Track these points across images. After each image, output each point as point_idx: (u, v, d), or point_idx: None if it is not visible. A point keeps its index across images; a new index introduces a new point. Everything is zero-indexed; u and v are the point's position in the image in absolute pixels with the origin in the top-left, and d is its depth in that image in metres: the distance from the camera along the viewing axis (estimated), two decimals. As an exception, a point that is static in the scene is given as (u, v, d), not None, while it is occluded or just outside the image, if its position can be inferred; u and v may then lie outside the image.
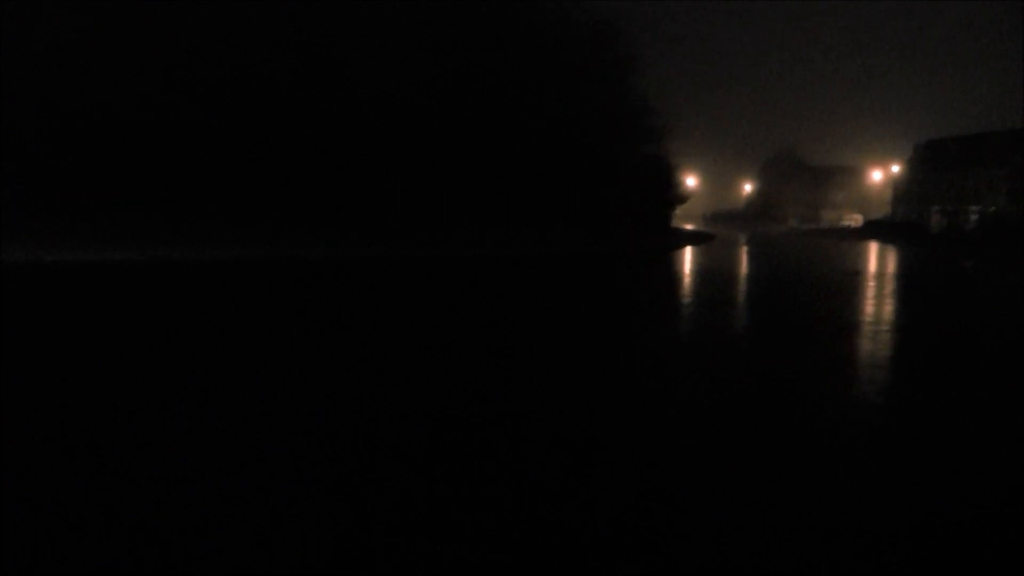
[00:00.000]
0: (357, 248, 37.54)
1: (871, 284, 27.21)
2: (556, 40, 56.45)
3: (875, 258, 44.61)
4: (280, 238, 36.21)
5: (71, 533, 5.19)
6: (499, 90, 50.57)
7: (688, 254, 46.53)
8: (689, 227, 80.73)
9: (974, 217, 72.08)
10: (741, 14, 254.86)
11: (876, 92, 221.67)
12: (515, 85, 51.64)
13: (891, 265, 38.84)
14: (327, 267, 27.39)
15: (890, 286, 27.04)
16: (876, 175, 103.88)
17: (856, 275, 31.07)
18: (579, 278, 29.77)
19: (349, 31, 43.81)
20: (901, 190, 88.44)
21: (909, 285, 28.44)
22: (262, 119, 40.66)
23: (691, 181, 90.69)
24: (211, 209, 38.34)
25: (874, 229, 79.07)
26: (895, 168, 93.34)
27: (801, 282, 28.74)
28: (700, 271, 34.03)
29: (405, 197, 45.91)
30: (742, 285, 28.06)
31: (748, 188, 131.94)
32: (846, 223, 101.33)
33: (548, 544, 5.19)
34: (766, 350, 13.98)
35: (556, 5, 57.55)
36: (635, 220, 60.68)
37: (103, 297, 18.14)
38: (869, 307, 20.85)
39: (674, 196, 73.11)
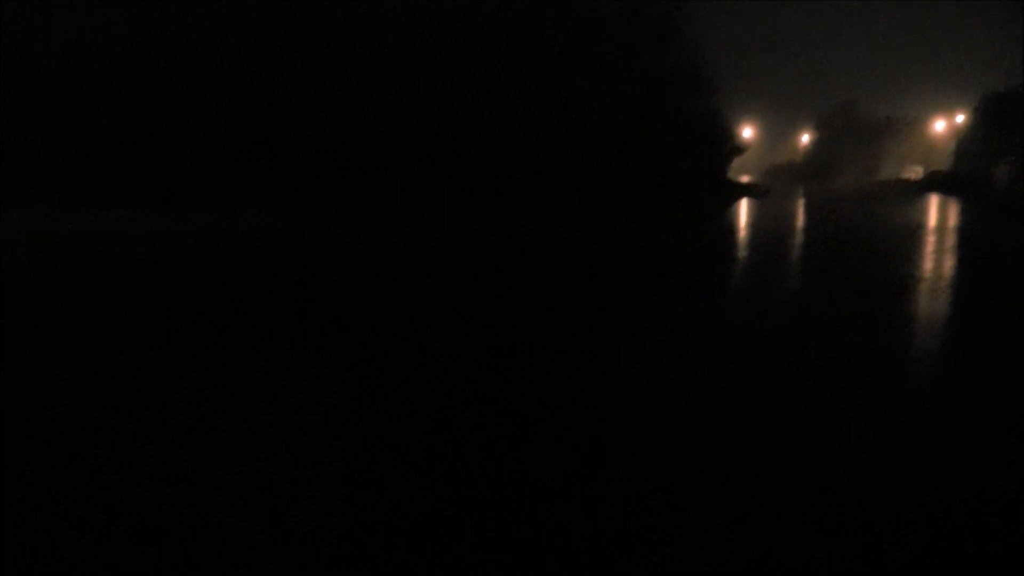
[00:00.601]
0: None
1: (931, 239, 26.72)
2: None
3: (936, 212, 43.63)
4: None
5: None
6: (550, 46, 50.01)
7: (743, 208, 45.99)
8: (745, 179, 79.47)
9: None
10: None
11: (941, 38, 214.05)
12: (567, 42, 51.03)
13: (952, 220, 37.99)
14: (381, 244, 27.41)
15: (950, 241, 26.51)
16: (939, 126, 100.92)
17: (917, 229, 30.53)
18: (633, 235, 29.67)
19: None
20: (965, 143, 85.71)
21: (970, 242, 27.84)
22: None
23: (747, 132, 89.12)
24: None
25: (936, 183, 76.95)
26: (960, 118, 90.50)
27: (858, 237, 28.32)
28: (755, 226, 33.67)
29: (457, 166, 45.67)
30: (798, 240, 27.76)
31: (805, 139, 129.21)
32: (906, 176, 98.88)
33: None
34: (822, 305, 13.90)
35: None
36: (689, 172, 59.94)
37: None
38: (928, 263, 20.52)
39: (730, 149, 71.91)
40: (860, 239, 27.57)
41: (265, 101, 40.72)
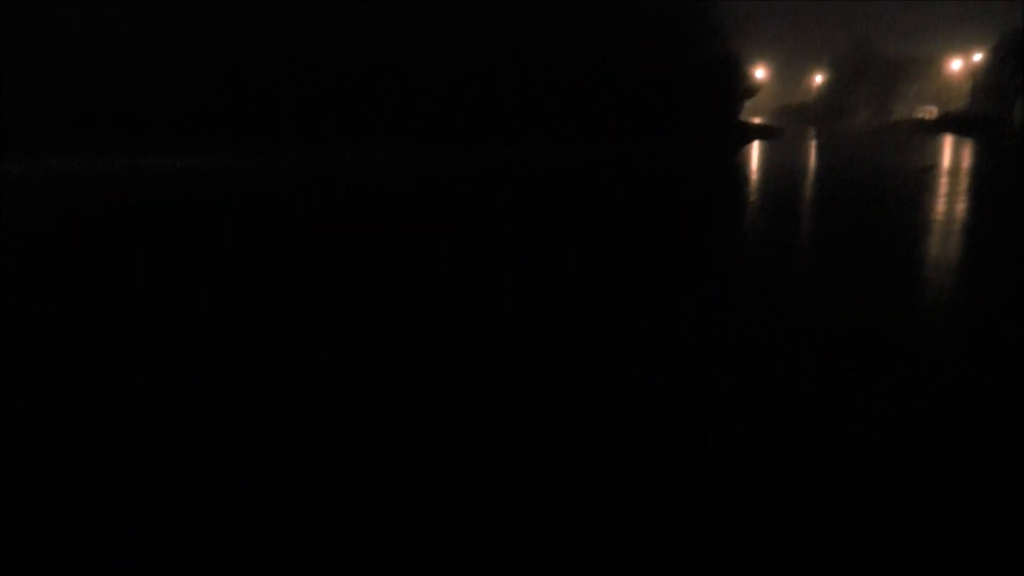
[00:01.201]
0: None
1: (943, 180, 26.42)
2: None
3: (950, 153, 43.13)
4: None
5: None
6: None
7: (755, 150, 45.58)
8: (757, 121, 78.73)
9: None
10: None
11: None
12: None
13: (966, 160, 37.55)
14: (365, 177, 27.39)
15: (964, 183, 26.20)
16: (955, 65, 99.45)
17: (930, 169, 30.20)
18: (645, 176, 29.49)
19: None
20: (982, 82, 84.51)
21: (983, 183, 27.52)
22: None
23: (760, 73, 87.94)
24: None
25: (950, 123, 76.07)
26: (976, 57, 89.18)
27: (870, 179, 28.03)
28: (767, 167, 33.38)
29: (466, 105, 45.91)
30: (807, 182, 27.50)
31: (819, 80, 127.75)
32: (920, 116, 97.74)
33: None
34: (831, 251, 13.78)
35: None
36: (702, 115, 59.50)
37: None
38: (940, 205, 20.28)
39: (743, 90, 71.21)
40: (873, 181, 27.29)
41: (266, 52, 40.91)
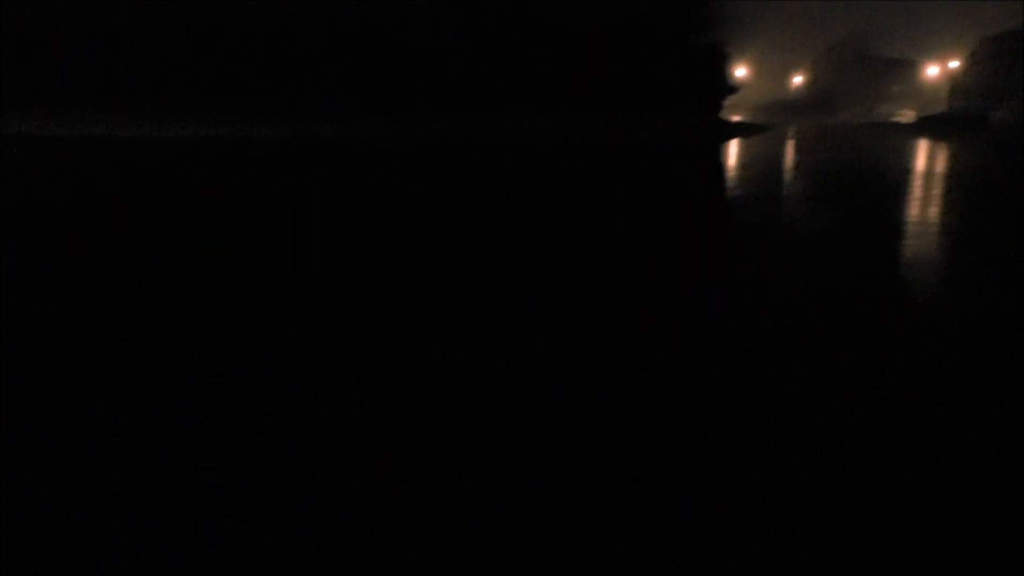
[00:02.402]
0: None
1: (918, 183, 26.81)
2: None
3: (925, 155, 43.61)
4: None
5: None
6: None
7: (735, 146, 45.90)
8: (737, 118, 79.03)
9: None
10: None
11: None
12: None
13: (941, 163, 38.01)
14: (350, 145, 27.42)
15: (939, 187, 26.58)
16: (932, 70, 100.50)
17: (906, 173, 30.58)
18: (623, 168, 29.69)
19: None
20: (961, 85, 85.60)
21: (960, 185, 27.91)
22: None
23: (741, 71, 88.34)
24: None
25: (929, 124, 76.82)
26: (953, 64, 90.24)
27: (847, 179, 28.38)
28: (744, 164, 33.66)
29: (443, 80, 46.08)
30: (783, 180, 27.80)
31: (799, 79, 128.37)
32: (898, 118, 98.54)
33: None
34: (802, 247, 14.06)
35: None
36: (684, 109, 59.65)
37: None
38: (915, 208, 20.61)
39: (724, 86, 71.46)
40: (847, 180, 27.64)
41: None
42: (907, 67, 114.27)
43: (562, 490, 4.95)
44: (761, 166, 32.63)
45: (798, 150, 44.85)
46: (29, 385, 6.97)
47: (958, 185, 25.84)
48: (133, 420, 6.18)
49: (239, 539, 4.57)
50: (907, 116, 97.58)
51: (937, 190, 24.67)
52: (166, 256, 12.19)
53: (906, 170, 32.00)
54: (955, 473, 5.21)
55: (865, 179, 28.09)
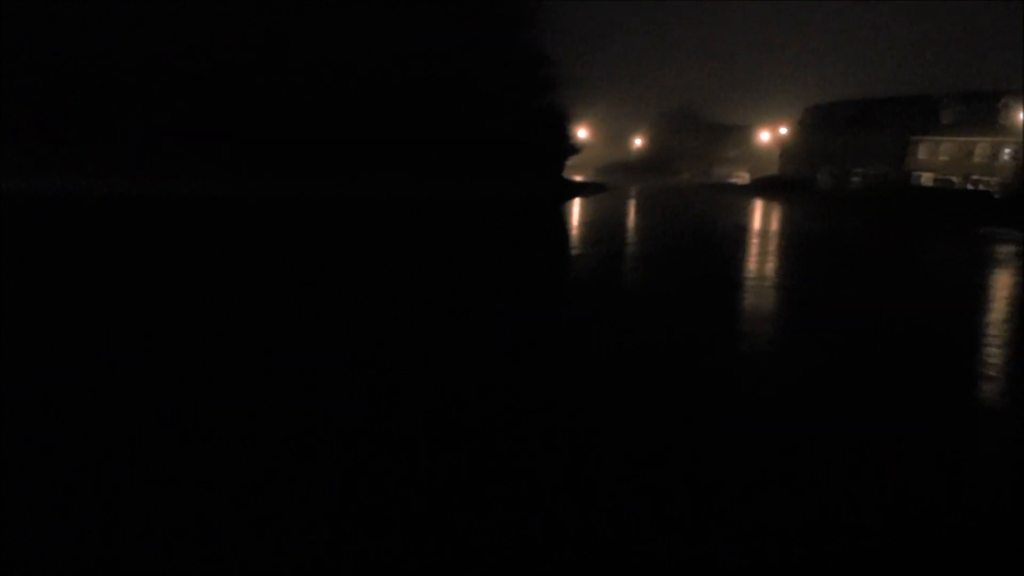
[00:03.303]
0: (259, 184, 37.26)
1: (754, 240, 26.97)
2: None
3: (760, 213, 44.83)
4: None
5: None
6: (393, 41, 49.36)
7: (578, 204, 45.93)
8: (579, 178, 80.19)
9: (856, 179, 74.31)
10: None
11: (769, 58, 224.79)
12: (409, 36, 50.38)
13: (775, 221, 39.00)
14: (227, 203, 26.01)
15: (774, 242, 26.83)
16: (765, 136, 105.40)
17: (741, 230, 30.93)
18: (468, 225, 28.78)
19: None
20: (790, 150, 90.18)
21: (792, 241, 28.30)
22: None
23: (583, 133, 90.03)
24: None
25: (762, 186, 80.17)
26: (783, 130, 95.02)
27: (687, 236, 28.34)
28: (588, 222, 33.41)
29: (307, 141, 45.73)
30: (627, 237, 27.49)
31: (639, 142, 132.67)
32: (734, 180, 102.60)
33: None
34: (648, 301, 13.34)
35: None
36: (527, 169, 59.83)
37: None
38: (752, 263, 20.42)
39: (566, 147, 72.40)
40: (688, 237, 27.58)
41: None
42: (741, 132, 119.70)
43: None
44: (602, 224, 32.34)
45: (639, 209, 45.28)
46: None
47: (787, 241, 26.19)
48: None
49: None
50: (742, 178, 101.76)
51: (771, 246, 24.85)
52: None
53: (742, 228, 32.43)
54: None
55: (703, 237, 28.10)
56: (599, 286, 15.51)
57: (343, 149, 48.07)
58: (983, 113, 64.29)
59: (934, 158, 67.83)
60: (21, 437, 6.47)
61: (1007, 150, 60.08)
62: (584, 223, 32.92)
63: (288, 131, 44.96)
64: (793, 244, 27.73)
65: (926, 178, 67.59)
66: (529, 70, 63.00)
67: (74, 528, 4.97)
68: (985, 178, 60.50)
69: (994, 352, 10.93)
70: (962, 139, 65.20)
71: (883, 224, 40.80)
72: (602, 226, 31.22)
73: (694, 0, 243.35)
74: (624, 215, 39.41)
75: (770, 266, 20.36)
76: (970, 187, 60.99)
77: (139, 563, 4.65)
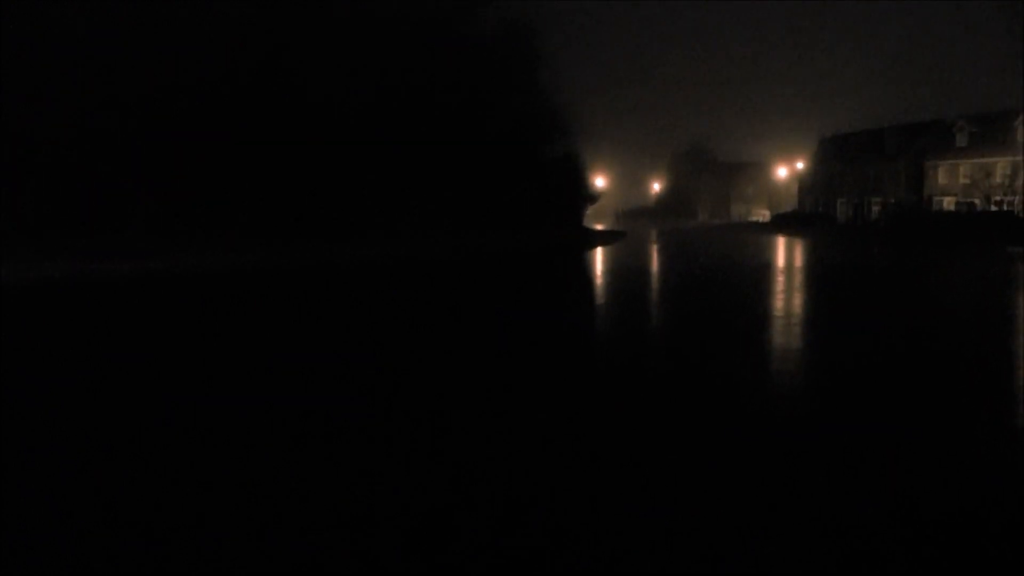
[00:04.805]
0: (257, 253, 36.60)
1: (780, 279, 26.90)
2: (466, 39, 55.53)
3: (783, 251, 44.72)
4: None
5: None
6: (407, 90, 49.57)
7: (599, 253, 46.01)
8: (599, 227, 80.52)
9: (876, 208, 73.97)
10: (648, 15, 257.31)
11: (782, 91, 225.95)
12: (424, 85, 50.67)
13: (799, 258, 38.86)
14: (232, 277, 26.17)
15: (799, 279, 26.75)
16: (782, 171, 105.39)
17: (766, 268, 30.86)
18: (490, 281, 28.84)
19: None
20: (807, 184, 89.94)
21: (820, 282, 28.17)
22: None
23: (600, 181, 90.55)
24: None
25: (783, 222, 79.89)
26: (799, 164, 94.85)
27: (714, 279, 28.29)
28: (611, 271, 33.37)
29: (315, 202, 45.65)
30: (653, 285, 27.48)
31: (657, 186, 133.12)
32: (754, 218, 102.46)
33: None
34: (683, 346, 13.31)
35: (466, 4, 56.54)
36: (548, 219, 60.14)
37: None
38: (779, 302, 20.37)
39: (586, 195, 72.79)
40: (714, 280, 27.53)
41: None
42: (757, 168, 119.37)
43: None
44: (625, 273, 32.32)
45: (661, 255, 45.23)
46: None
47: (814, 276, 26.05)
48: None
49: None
50: (763, 215, 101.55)
51: (796, 281, 24.75)
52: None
53: (767, 265, 32.34)
54: None
55: (731, 279, 28.01)
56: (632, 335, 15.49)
57: (361, 208, 48.00)
58: (999, 133, 64.05)
59: (953, 181, 67.55)
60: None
61: (1028, 168, 59.70)
62: (609, 271, 32.94)
63: (299, 197, 44.88)
64: (823, 278, 27.64)
65: (947, 202, 67.28)
66: (544, 119, 63.35)
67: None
68: (1008, 198, 60.08)
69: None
70: (981, 160, 64.90)
71: (910, 251, 40.62)
72: (626, 275, 31.24)
73: (701, 39, 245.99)
74: (647, 261, 39.43)
75: (802, 299, 20.34)
76: (993, 208, 60.54)
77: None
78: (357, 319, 18.21)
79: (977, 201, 63.43)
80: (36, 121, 36.61)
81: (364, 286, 26.09)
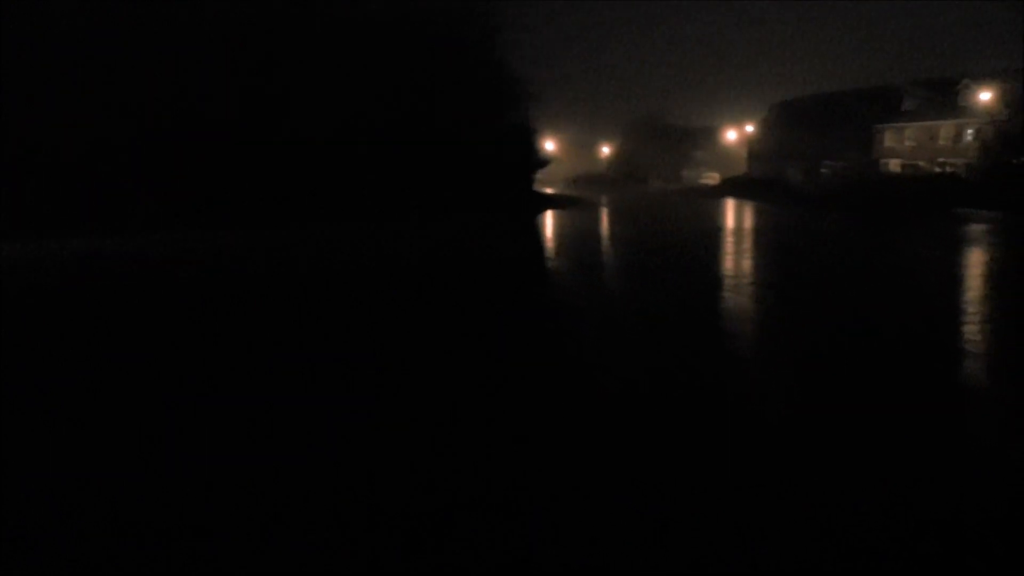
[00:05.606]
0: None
1: (730, 240, 26.87)
2: (420, 10, 54.83)
3: (732, 214, 44.82)
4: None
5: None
6: (360, 61, 49.08)
7: (550, 217, 45.76)
8: (549, 191, 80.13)
9: (825, 172, 74.72)
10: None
11: (733, 59, 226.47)
12: (376, 57, 50.18)
13: (748, 220, 38.99)
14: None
15: (748, 240, 26.75)
16: (731, 135, 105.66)
17: (717, 231, 30.86)
18: (446, 242, 28.47)
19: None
20: (757, 149, 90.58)
21: (764, 239, 28.21)
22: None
23: (551, 146, 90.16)
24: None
25: (732, 187, 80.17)
26: (749, 128, 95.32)
27: (666, 241, 28.18)
28: (563, 233, 33.18)
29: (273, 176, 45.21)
30: (603, 247, 27.30)
31: (607, 151, 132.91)
32: (704, 181, 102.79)
33: None
34: (639, 304, 13.13)
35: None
36: (497, 185, 59.66)
37: None
38: (729, 262, 20.27)
39: (536, 161, 72.37)
40: (666, 241, 27.41)
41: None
42: (708, 133, 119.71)
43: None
44: (575, 236, 32.12)
45: (611, 219, 45.17)
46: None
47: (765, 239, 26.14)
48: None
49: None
50: (713, 179, 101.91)
51: (746, 243, 24.77)
52: None
53: (718, 228, 32.38)
54: None
55: (682, 242, 27.95)
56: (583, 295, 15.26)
57: (327, 187, 47.65)
58: (945, 97, 64.83)
59: (900, 144, 68.39)
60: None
61: (969, 131, 60.48)
62: (560, 234, 32.72)
63: (261, 185, 44.54)
64: (773, 243, 27.65)
65: (893, 164, 68.11)
66: (497, 88, 62.78)
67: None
68: (951, 160, 60.92)
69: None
70: (926, 124, 65.74)
71: (859, 213, 40.92)
72: (576, 237, 31.05)
73: (652, 3, 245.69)
74: (596, 225, 39.31)
75: (751, 263, 20.24)
76: (937, 170, 61.40)
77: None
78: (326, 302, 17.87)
79: (922, 163, 64.26)
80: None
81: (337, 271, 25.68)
